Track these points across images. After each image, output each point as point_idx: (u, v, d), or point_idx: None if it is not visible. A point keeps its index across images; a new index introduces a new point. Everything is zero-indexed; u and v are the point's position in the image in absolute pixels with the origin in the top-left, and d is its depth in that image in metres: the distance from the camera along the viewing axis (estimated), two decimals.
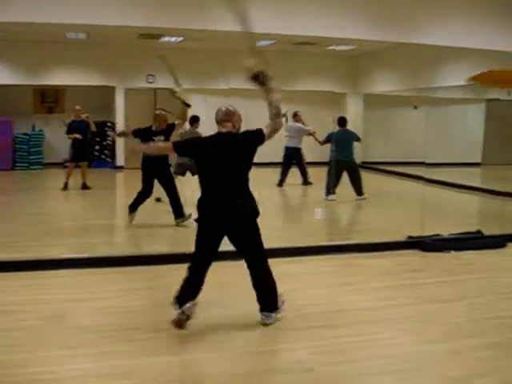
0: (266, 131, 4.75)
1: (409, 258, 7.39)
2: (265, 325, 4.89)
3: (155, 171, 8.69)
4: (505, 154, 16.15)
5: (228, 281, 6.04)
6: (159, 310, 5.25)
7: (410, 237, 7.95)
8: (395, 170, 15.74)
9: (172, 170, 9.46)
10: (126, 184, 14.98)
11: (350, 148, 11.41)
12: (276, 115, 4.75)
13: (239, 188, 4.77)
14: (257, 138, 4.76)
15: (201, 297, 5.02)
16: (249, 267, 4.88)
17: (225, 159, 4.70)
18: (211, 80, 15.19)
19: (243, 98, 15.18)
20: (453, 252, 7.68)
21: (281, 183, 12.72)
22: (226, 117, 4.81)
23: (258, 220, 4.83)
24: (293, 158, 12.81)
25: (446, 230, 8.26)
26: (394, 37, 8.67)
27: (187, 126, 10.21)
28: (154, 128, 8.65)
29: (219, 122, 4.82)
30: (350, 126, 11.76)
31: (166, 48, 14.19)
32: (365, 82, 17.12)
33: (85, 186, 12.07)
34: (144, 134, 8.54)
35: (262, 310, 4.94)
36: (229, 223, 4.75)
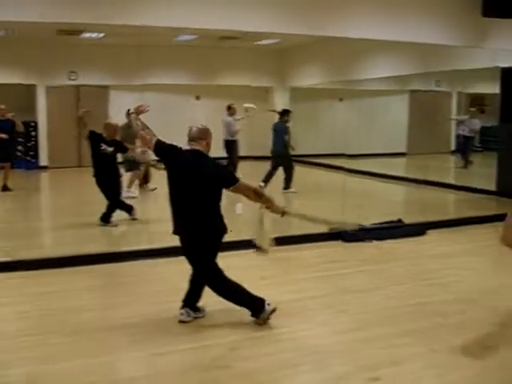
0: (239, 184, 4.79)
1: (330, 249, 7.50)
2: (182, 322, 4.90)
3: (107, 179, 8.53)
4: (428, 143, 16.64)
5: (138, 280, 6.09)
6: (77, 313, 5.16)
7: (331, 228, 8.04)
8: (322, 161, 15.95)
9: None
10: (51, 184, 14.67)
11: (281, 140, 11.57)
12: (256, 196, 4.87)
13: (198, 211, 4.77)
14: (226, 184, 4.79)
15: (114, 296, 4.93)
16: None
17: (190, 180, 4.73)
18: (129, 75, 15.06)
19: (158, 92, 15.15)
20: (374, 241, 7.83)
21: None
22: (201, 135, 4.87)
23: None
24: (227, 149, 12.98)
25: (368, 220, 8.42)
26: (317, 30, 8.74)
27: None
28: (105, 136, 8.46)
29: (193, 139, 4.86)
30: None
31: (87, 44, 13.98)
32: (291, 76, 17.24)
33: (5, 188, 11.73)
34: (95, 139, 8.41)
35: (184, 306, 4.94)
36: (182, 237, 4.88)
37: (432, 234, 8.40)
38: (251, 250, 7.15)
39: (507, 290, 6.02)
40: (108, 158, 8.49)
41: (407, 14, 8.78)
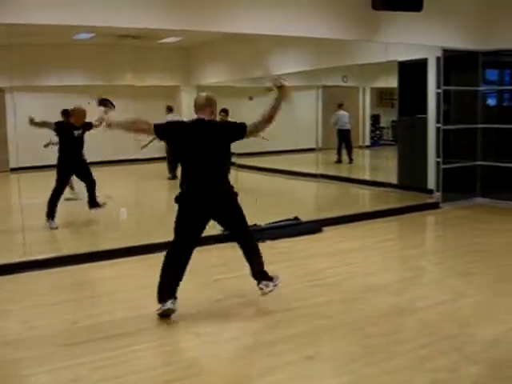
0: (248, 128, 4.92)
1: (221, 252, 7.19)
2: (264, 294, 5.27)
3: (73, 167, 8.88)
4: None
5: None
6: None
7: (224, 230, 7.79)
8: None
9: None
10: None
11: None
12: (268, 119, 4.93)
13: (218, 174, 5.01)
14: (238, 132, 4.95)
15: None
16: (238, 242, 5.39)
17: (205, 145, 4.86)
18: None
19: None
20: (268, 241, 7.65)
21: None
22: (209, 102, 5.00)
23: None
24: None
25: (265, 219, 8.28)
26: (216, 27, 8.45)
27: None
28: (73, 122, 8.80)
29: (201, 108, 4.98)
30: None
31: None
32: (198, 74, 16.95)
33: None
34: (63, 129, 8.70)
35: (258, 282, 5.32)
36: (212, 205, 4.97)
37: (328, 231, 8.33)
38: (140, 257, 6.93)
39: (395, 285, 5.96)
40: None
41: (301, 10, 8.62)
